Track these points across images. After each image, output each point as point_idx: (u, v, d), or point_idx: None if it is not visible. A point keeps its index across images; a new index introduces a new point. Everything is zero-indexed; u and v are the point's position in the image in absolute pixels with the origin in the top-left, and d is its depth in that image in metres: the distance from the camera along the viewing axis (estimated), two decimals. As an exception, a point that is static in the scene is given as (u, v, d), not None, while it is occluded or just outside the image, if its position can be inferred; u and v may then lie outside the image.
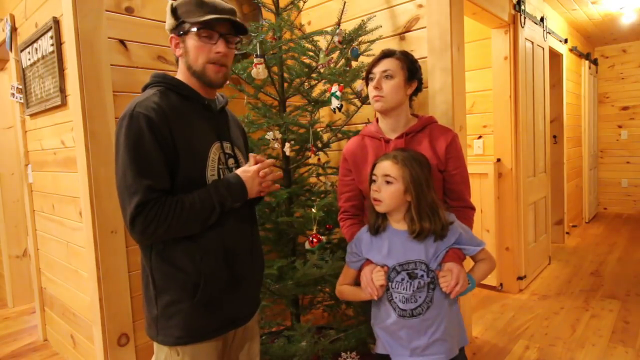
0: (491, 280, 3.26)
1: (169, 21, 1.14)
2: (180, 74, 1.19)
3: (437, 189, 1.44)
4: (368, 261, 1.34)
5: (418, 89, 1.57)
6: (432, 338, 1.24)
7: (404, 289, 1.25)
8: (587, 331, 2.58)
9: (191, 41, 1.13)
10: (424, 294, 1.24)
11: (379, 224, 1.32)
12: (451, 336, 1.26)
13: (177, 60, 1.20)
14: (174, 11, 1.13)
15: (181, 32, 1.14)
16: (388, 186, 1.26)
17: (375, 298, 1.28)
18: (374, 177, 1.31)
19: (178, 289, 1.11)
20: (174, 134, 1.07)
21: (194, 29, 1.11)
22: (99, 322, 1.87)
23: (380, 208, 1.29)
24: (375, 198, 1.28)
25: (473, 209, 1.54)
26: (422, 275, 1.24)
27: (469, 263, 1.37)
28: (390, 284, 1.27)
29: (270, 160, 1.20)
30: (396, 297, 1.26)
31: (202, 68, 1.14)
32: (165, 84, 1.15)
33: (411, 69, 1.51)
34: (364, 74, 1.98)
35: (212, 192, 1.10)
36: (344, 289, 1.42)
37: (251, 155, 1.20)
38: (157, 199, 1.03)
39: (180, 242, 1.10)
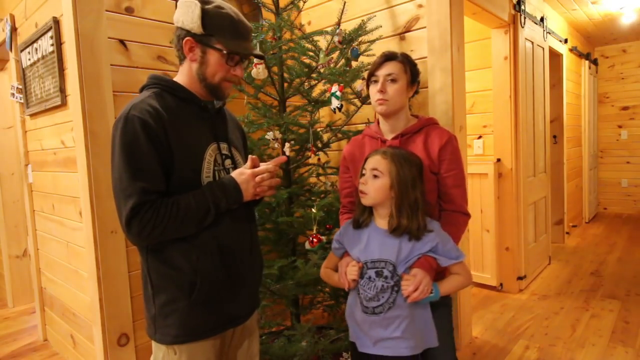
0: (491, 280, 3.27)
1: (192, 25, 1.10)
2: (183, 76, 1.18)
3: (431, 190, 1.43)
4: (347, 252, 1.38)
5: (416, 91, 1.58)
6: (393, 334, 1.26)
7: (369, 288, 1.27)
8: (587, 331, 2.58)
9: (214, 58, 1.13)
10: (387, 294, 1.26)
11: (363, 219, 1.35)
12: (413, 336, 1.27)
13: (180, 59, 1.18)
14: (203, 18, 1.10)
15: (205, 43, 1.12)
16: (375, 180, 1.28)
17: (346, 289, 1.33)
18: (363, 171, 1.33)
19: (174, 288, 1.11)
20: (169, 136, 1.07)
21: (224, 51, 1.12)
22: (99, 322, 1.87)
23: (365, 200, 1.31)
24: (362, 190, 1.31)
25: (466, 214, 1.48)
26: (386, 276, 1.26)
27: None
28: (360, 279, 1.30)
29: (267, 167, 1.18)
30: (362, 293, 1.29)
31: (217, 84, 1.16)
32: (162, 85, 1.15)
33: (413, 72, 1.52)
34: (364, 74, 1.99)
35: (207, 193, 1.10)
36: (324, 272, 1.47)
37: (250, 157, 1.19)
38: (153, 201, 1.03)
39: (176, 242, 1.10)
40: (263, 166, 1.19)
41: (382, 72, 1.48)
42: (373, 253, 1.29)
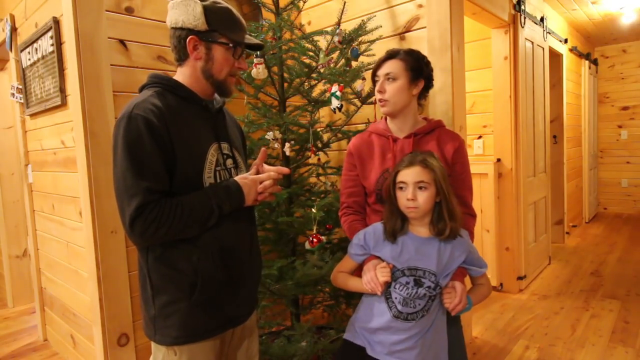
0: (491, 280, 3.25)
1: (195, 22, 1.10)
2: (184, 76, 1.17)
3: None
4: (372, 256, 1.33)
5: (427, 87, 1.52)
6: (416, 343, 1.25)
7: (407, 292, 1.24)
8: (587, 331, 2.58)
9: (219, 53, 1.14)
10: (423, 302, 1.25)
11: (397, 228, 1.30)
12: (428, 348, 1.27)
13: (180, 60, 1.17)
14: (206, 15, 1.10)
15: (210, 40, 1.13)
16: (423, 192, 1.26)
17: (379, 294, 1.26)
18: (401, 185, 1.28)
19: (175, 289, 1.11)
20: (172, 135, 1.07)
21: (230, 45, 1.14)
22: (99, 322, 1.87)
23: (416, 214, 1.27)
24: (412, 206, 1.26)
25: (474, 216, 1.51)
26: (429, 287, 1.24)
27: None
28: (393, 283, 1.27)
29: (269, 175, 1.20)
30: (396, 298, 1.26)
31: (224, 79, 1.17)
32: (163, 84, 1.14)
33: (416, 69, 1.46)
34: (364, 74, 1.99)
35: (211, 194, 1.10)
36: (339, 276, 1.41)
37: (254, 164, 1.22)
38: (157, 201, 1.03)
39: (177, 243, 1.10)
40: (265, 174, 1.20)
41: (381, 72, 1.46)
42: (410, 261, 1.27)
